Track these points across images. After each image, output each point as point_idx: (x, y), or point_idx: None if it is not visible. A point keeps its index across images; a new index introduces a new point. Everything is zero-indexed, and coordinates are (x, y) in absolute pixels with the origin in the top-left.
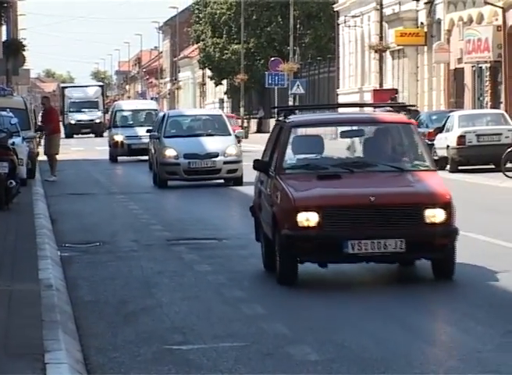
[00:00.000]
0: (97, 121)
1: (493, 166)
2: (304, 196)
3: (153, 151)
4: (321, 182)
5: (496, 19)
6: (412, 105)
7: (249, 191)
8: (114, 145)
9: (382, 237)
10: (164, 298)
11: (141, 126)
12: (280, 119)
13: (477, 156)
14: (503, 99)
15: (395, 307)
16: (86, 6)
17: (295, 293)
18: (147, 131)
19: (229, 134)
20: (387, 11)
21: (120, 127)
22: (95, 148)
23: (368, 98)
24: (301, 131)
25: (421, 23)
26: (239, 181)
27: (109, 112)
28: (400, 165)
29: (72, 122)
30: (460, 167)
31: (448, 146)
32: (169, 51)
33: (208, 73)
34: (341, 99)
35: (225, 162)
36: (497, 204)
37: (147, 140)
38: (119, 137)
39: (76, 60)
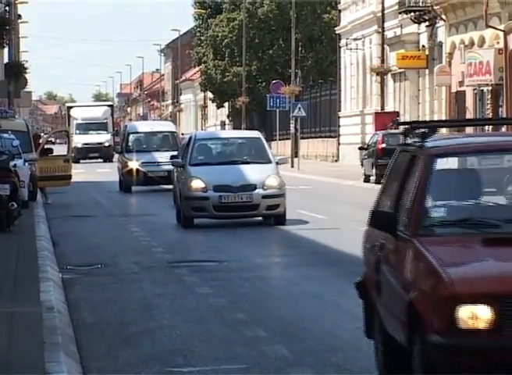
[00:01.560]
0: (106, 144)
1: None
2: (468, 276)
3: (176, 182)
4: (491, 250)
5: (498, 43)
6: None
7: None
8: (128, 173)
9: None
10: (165, 320)
11: (158, 150)
12: (411, 142)
13: None
14: None
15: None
16: (87, 29)
17: (296, 315)
18: (172, 158)
19: (269, 162)
20: (388, 34)
21: (135, 152)
22: (97, 171)
23: (370, 121)
24: (450, 163)
25: (423, 46)
26: (281, 219)
27: (120, 135)
28: None
29: (79, 145)
30: None
31: None
32: (171, 73)
33: (210, 95)
34: (342, 122)
35: (265, 196)
36: None
37: (165, 166)
38: (133, 164)
39: (78, 82)
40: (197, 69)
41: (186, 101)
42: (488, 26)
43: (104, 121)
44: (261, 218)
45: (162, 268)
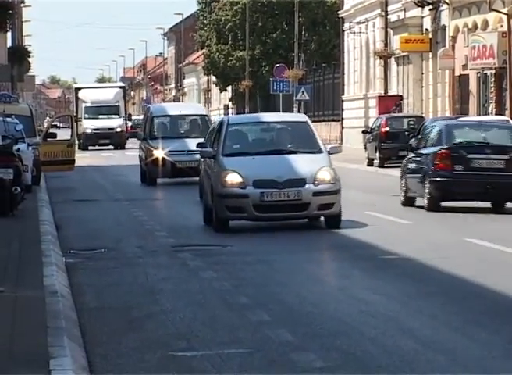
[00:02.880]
0: (118, 130)
1: None
2: None
3: (205, 175)
4: None
5: (501, 26)
6: None
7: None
8: (152, 163)
9: None
10: (168, 304)
11: (187, 137)
12: None
13: None
14: (507, 106)
15: (397, 312)
16: (91, 13)
17: (300, 299)
18: (198, 146)
19: (320, 151)
20: (392, 17)
21: (161, 139)
22: (101, 155)
23: (373, 104)
24: None
25: (426, 30)
26: (335, 221)
27: (143, 119)
28: None
29: (88, 131)
30: None
31: None
32: (174, 57)
33: (213, 79)
34: (346, 106)
35: (316, 193)
36: (504, 211)
37: (196, 156)
38: (159, 153)
39: (82, 66)
40: (201, 52)
41: (190, 84)
42: (491, 10)
43: (116, 104)
44: (306, 219)
45: (166, 252)
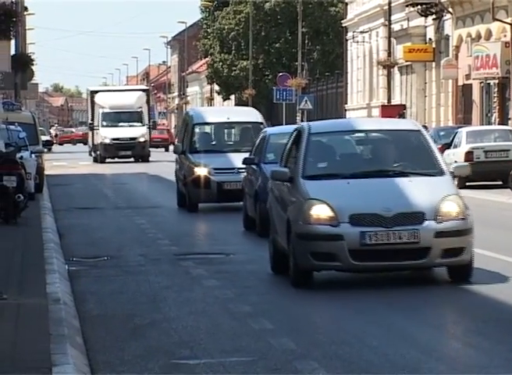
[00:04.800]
0: (142, 140)
1: (501, 182)
2: None
3: (275, 205)
4: None
5: (505, 36)
6: None
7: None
8: (194, 183)
9: None
10: (171, 312)
11: (237, 150)
12: None
13: (484, 172)
14: (511, 115)
15: (400, 321)
16: (94, 21)
17: (303, 308)
18: (245, 161)
19: (441, 172)
20: (395, 27)
21: (203, 153)
22: (104, 164)
23: (376, 113)
24: None
25: (430, 39)
26: (465, 272)
27: (181, 127)
28: None
29: (107, 141)
30: (467, 183)
31: (456, 162)
32: (177, 65)
33: (216, 87)
34: (349, 115)
35: (440, 234)
36: (505, 220)
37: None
38: (201, 170)
39: (85, 74)
40: (204, 61)
41: (193, 93)
42: (495, 19)
43: (139, 110)
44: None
45: (169, 260)
